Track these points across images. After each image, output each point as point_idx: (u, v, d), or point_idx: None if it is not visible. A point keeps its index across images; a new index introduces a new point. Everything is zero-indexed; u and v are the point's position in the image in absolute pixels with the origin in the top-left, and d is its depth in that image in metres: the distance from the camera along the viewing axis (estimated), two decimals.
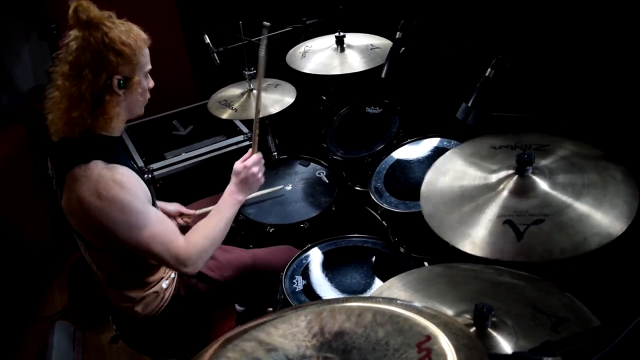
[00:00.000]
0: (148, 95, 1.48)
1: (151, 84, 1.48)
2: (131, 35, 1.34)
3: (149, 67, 1.43)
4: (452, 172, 1.34)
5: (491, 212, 1.16)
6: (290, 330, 0.80)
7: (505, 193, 1.19)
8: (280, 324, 0.82)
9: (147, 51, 1.41)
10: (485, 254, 1.09)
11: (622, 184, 1.13)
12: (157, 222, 1.40)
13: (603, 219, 1.07)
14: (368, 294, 1.56)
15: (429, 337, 0.74)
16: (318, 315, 0.81)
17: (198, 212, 1.88)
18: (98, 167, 1.33)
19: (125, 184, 1.33)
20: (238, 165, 1.61)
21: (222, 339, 0.82)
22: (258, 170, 1.62)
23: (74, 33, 1.32)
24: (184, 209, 1.89)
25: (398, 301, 0.85)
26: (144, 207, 1.37)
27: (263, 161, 1.65)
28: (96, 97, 1.34)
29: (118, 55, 1.31)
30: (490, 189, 1.22)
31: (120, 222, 1.33)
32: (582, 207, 1.10)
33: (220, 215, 1.55)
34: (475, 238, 1.12)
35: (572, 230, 1.06)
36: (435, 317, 0.78)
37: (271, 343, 0.78)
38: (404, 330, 0.76)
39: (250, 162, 1.60)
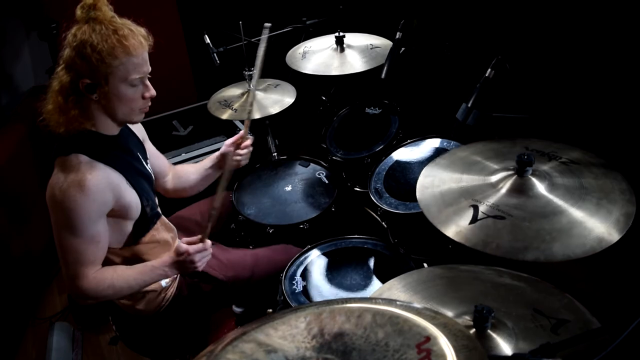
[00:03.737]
0: (139, 104, 1.42)
1: (148, 93, 1.41)
2: (108, 41, 1.29)
3: (135, 76, 1.35)
4: (453, 163, 1.40)
5: (468, 195, 1.23)
6: (290, 332, 0.80)
7: (501, 188, 1.23)
8: (280, 325, 0.82)
9: (132, 59, 1.33)
10: (439, 225, 1.18)
11: (620, 199, 1.14)
12: (89, 241, 1.37)
13: (567, 240, 1.07)
14: (368, 295, 1.56)
15: (428, 338, 0.74)
16: (317, 317, 0.81)
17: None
18: (75, 161, 1.35)
19: (86, 189, 1.32)
20: (182, 246, 1.47)
21: (221, 340, 0.81)
22: (198, 260, 1.48)
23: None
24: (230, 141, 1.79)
25: (398, 302, 0.85)
26: (88, 221, 1.35)
27: (209, 252, 1.52)
28: (64, 95, 1.35)
29: (84, 60, 1.30)
30: (482, 180, 1.28)
31: (59, 218, 1.36)
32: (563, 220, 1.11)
33: (141, 275, 1.47)
34: (444, 212, 1.21)
35: (522, 236, 1.09)
36: (434, 318, 0.78)
37: (271, 344, 0.78)
38: (404, 331, 0.76)
39: (193, 249, 1.47)
